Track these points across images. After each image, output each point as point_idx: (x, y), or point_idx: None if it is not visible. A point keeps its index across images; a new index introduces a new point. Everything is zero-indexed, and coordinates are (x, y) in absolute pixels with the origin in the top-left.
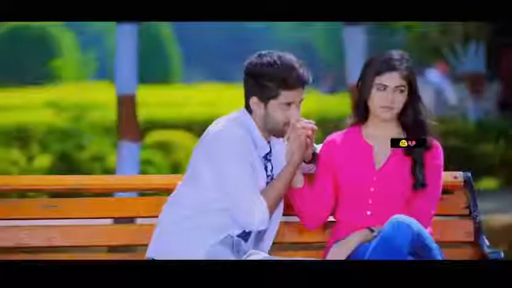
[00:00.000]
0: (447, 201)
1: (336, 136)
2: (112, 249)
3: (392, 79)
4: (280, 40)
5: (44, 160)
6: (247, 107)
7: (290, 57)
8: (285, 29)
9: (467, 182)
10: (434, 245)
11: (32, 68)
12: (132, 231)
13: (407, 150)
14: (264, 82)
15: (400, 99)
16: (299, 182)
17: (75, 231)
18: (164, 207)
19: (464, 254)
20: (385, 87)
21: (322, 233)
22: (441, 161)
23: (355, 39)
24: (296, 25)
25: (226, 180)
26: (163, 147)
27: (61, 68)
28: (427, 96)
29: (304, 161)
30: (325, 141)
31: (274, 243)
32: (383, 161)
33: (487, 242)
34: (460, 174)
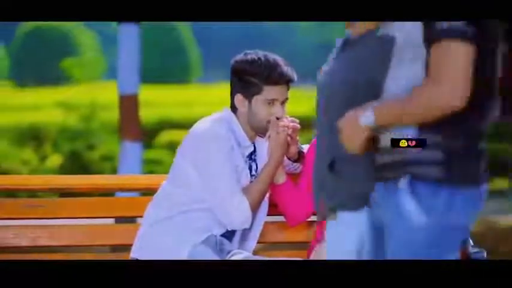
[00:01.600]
0: None
1: None
2: (99, 249)
3: None
4: (300, 40)
5: (55, 160)
6: (232, 106)
7: (275, 56)
8: (305, 28)
9: None
10: None
11: (51, 67)
12: (117, 231)
13: None
14: (247, 78)
15: None
16: (280, 178)
17: (60, 231)
18: (148, 207)
19: None
20: None
21: (307, 232)
22: None
23: None
24: (316, 25)
25: (207, 178)
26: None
27: (73, 68)
28: None
29: (290, 160)
30: (313, 140)
31: (259, 242)
32: None
33: (471, 242)
34: None
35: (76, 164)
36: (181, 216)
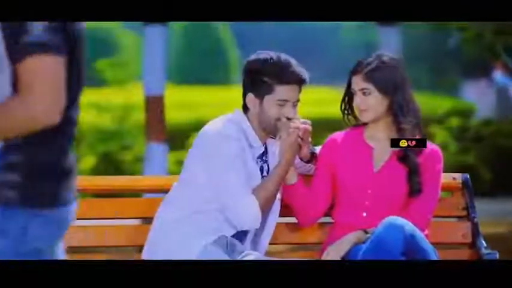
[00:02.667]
0: (445, 202)
1: (337, 136)
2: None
3: (355, 83)
4: (344, 40)
5: (89, 161)
6: (244, 107)
7: (287, 56)
8: (349, 28)
9: (465, 184)
10: (429, 248)
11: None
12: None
13: (403, 157)
14: (260, 77)
15: (371, 101)
16: (293, 178)
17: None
18: (159, 208)
19: (462, 255)
20: (354, 91)
21: (319, 233)
22: (441, 165)
23: (390, 40)
24: (361, 24)
25: (217, 179)
26: None
27: (107, 69)
28: (491, 97)
29: (302, 160)
30: (326, 140)
31: (271, 243)
32: (382, 163)
33: (484, 244)
34: (458, 176)
35: (109, 165)
36: (192, 217)
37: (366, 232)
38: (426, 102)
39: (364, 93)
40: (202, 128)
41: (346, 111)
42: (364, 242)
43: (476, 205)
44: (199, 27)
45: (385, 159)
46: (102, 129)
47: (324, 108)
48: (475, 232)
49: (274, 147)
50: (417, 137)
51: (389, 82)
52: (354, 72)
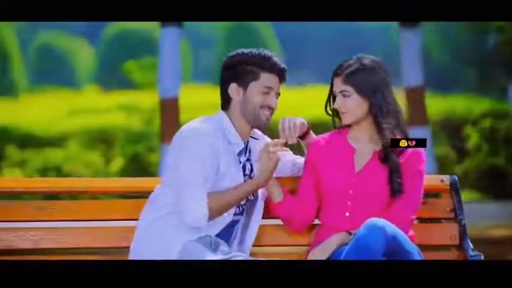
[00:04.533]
0: (433, 204)
1: (322, 138)
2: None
3: (336, 85)
4: (390, 40)
5: (119, 162)
6: (223, 104)
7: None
8: (395, 28)
9: (453, 186)
10: (412, 248)
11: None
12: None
13: (384, 158)
14: (244, 67)
15: (350, 103)
16: (278, 196)
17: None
18: (144, 208)
19: (449, 257)
20: (334, 92)
21: (307, 235)
22: (423, 166)
23: (411, 41)
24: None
25: (180, 172)
26: None
27: (134, 71)
28: None
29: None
30: (311, 142)
31: (260, 245)
32: (363, 163)
33: (471, 246)
34: (446, 178)
35: (136, 167)
36: (171, 216)
37: (350, 234)
38: (465, 104)
39: (344, 96)
40: (181, 128)
41: (330, 113)
42: (347, 244)
43: (505, 207)
44: (241, 29)
45: (367, 160)
46: (131, 131)
47: None
48: (463, 234)
49: (257, 146)
50: (398, 137)
51: (368, 84)
52: (335, 74)
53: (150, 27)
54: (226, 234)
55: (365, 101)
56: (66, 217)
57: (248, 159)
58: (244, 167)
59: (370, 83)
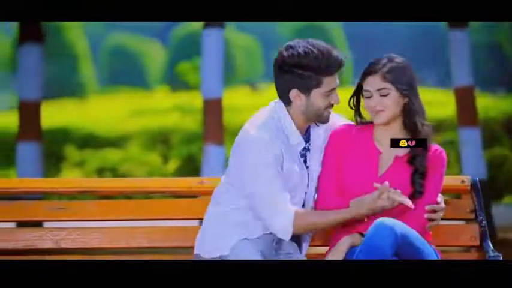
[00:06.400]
0: (454, 205)
1: (346, 129)
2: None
3: (372, 83)
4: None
5: (176, 163)
6: (284, 100)
7: (321, 42)
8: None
9: (474, 187)
10: (424, 246)
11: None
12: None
13: (411, 158)
14: (303, 72)
15: (388, 101)
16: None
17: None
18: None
19: (469, 258)
20: (369, 92)
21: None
22: (444, 167)
23: (461, 41)
24: (483, 25)
25: (254, 188)
26: None
27: (189, 72)
28: None
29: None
30: (337, 128)
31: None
32: (386, 167)
33: (491, 247)
34: (467, 179)
35: (191, 167)
36: (240, 210)
37: (362, 235)
38: None
39: (381, 94)
40: (242, 129)
41: (357, 115)
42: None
43: None
44: (311, 29)
45: (389, 164)
46: (185, 132)
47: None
48: (483, 235)
49: (318, 135)
50: (429, 138)
51: (405, 82)
52: (369, 73)
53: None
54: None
55: (402, 99)
56: (87, 217)
57: (307, 149)
58: (305, 160)
59: (407, 81)
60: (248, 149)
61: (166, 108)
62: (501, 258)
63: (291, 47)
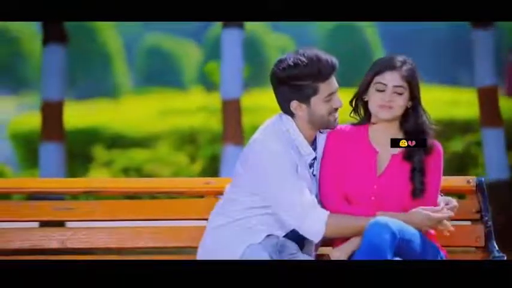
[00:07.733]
0: (459, 205)
1: (342, 130)
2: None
3: (392, 78)
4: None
5: (201, 163)
6: (288, 113)
7: (310, 50)
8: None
9: (479, 187)
10: (420, 240)
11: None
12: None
13: (408, 155)
14: (298, 83)
15: (398, 101)
16: None
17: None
18: (213, 210)
19: (474, 258)
20: (384, 86)
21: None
22: (441, 161)
23: (484, 42)
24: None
25: (281, 197)
26: None
27: (215, 72)
28: None
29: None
30: (332, 132)
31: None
32: (383, 167)
33: (496, 247)
34: (472, 179)
35: (215, 167)
36: (243, 220)
37: None
38: None
39: (397, 91)
40: (252, 139)
41: (357, 110)
42: None
43: None
44: (344, 29)
45: (387, 163)
46: (211, 132)
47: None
48: (488, 235)
49: (322, 141)
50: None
51: (417, 84)
52: (390, 68)
53: (254, 27)
54: (293, 236)
55: (409, 102)
56: (93, 217)
57: (315, 158)
58: (312, 170)
59: (417, 83)
60: (267, 161)
61: (196, 109)
62: (505, 258)
63: (280, 61)
